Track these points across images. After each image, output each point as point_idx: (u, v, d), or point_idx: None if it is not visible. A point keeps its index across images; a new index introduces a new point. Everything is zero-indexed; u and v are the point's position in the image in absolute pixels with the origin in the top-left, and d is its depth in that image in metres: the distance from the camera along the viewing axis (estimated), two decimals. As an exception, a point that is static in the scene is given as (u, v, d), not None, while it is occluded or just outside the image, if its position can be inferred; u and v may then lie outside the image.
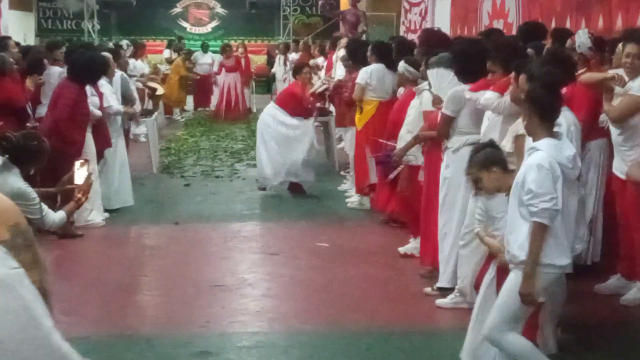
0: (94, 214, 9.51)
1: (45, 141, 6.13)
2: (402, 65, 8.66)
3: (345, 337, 6.16)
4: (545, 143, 4.71)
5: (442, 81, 7.08)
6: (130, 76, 12.74)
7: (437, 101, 7.09)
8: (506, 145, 5.77)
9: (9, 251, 1.80)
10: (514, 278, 4.72)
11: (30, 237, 1.86)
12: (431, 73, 7.23)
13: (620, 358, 5.83)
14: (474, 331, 5.21)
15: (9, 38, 11.41)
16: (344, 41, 15.09)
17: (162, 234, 9.36)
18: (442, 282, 6.94)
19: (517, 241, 4.69)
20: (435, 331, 6.37)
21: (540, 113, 4.76)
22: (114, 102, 10.01)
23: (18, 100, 9.00)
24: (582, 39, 7.36)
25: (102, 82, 9.89)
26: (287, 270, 7.96)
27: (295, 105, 11.22)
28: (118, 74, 10.76)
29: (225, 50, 20.71)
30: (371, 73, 9.96)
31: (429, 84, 7.36)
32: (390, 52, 10.19)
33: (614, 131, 6.58)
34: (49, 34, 24.57)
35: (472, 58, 6.67)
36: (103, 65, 9.70)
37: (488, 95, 6.25)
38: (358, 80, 10.04)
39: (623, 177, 6.53)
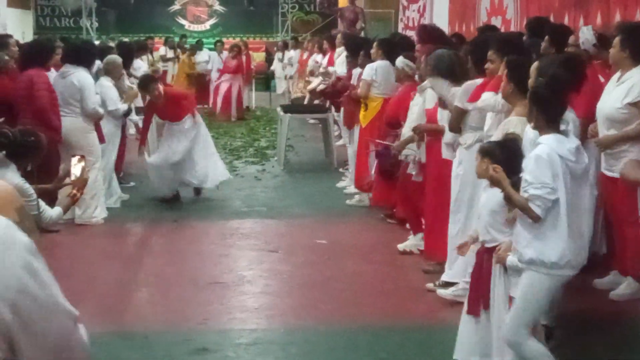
0: (97, 211, 9.51)
1: (42, 137, 6.13)
2: (401, 61, 8.67)
3: (344, 334, 6.16)
4: (548, 137, 4.70)
5: (443, 85, 7.10)
6: (131, 76, 12.75)
7: (440, 101, 7.14)
8: None
9: None
10: (526, 281, 4.71)
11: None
12: (432, 82, 7.24)
13: (614, 352, 5.83)
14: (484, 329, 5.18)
15: (9, 36, 11.42)
16: (339, 37, 15.11)
17: (160, 231, 9.35)
18: (449, 276, 6.91)
19: (525, 239, 4.68)
20: (435, 327, 6.36)
21: (543, 112, 4.75)
22: (119, 104, 10.12)
23: (14, 97, 8.99)
24: (586, 35, 7.35)
25: (107, 84, 9.94)
26: (286, 267, 7.96)
27: None
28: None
29: (232, 50, 20.27)
30: (377, 69, 9.94)
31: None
32: (395, 48, 10.19)
33: (602, 130, 6.58)
34: (47, 32, 24.56)
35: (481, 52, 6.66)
36: (48, 44, 9.72)
37: (484, 97, 6.26)
38: (364, 77, 10.03)
39: (613, 175, 6.52)
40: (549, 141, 4.68)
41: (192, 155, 10.42)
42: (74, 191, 6.02)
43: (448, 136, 7.12)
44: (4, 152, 5.90)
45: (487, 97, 6.21)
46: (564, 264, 4.66)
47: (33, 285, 1.71)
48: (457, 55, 7.28)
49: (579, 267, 4.82)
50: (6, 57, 9.45)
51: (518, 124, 5.59)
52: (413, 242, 8.21)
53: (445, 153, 7.21)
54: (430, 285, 7.10)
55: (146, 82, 10.51)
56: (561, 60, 5.92)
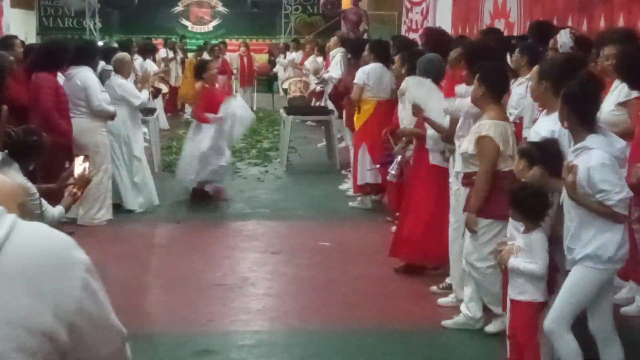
0: (102, 213, 9.51)
1: (45, 136, 6.14)
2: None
3: (347, 336, 6.17)
4: (595, 140, 4.70)
5: (419, 89, 7.13)
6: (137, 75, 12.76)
7: (417, 111, 7.15)
8: (469, 147, 5.78)
9: None
10: (577, 275, 4.78)
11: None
12: (408, 80, 7.28)
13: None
14: None
15: (14, 37, 11.40)
16: (334, 39, 15.09)
17: (163, 232, 9.36)
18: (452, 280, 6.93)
19: (585, 239, 4.73)
20: (437, 330, 6.36)
21: (579, 114, 4.73)
22: (142, 97, 10.21)
23: (18, 98, 8.99)
24: (563, 39, 7.34)
25: (123, 82, 10.00)
26: (289, 269, 7.96)
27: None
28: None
29: (212, 51, 20.29)
30: (369, 73, 9.98)
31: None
32: (388, 51, 10.22)
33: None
34: (51, 33, 24.57)
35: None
36: (63, 47, 9.70)
37: (445, 105, 6.40)
38: (355, 81, 10.08)
39: None
40: (601, 145, 4.69)
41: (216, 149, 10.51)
42: (75, 190, 6.02)
43: (430, 142, 7.17)
44: (6, 151, 5.91)
45: (449, 104, 6.42)
46: (617, 259, 4.77)
47: (91, 306, 1.70)
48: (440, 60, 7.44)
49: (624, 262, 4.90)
50: (11, 58, 9.44)
51: (491, 127, 5.66)
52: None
53: (432, 158, 7.25)
54: (434, 288, 7.11)
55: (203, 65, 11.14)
56: (562, 61, 5.93)
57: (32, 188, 5.87)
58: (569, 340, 4.81)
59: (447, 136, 6.83)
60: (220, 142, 10.46)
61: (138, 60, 15.51)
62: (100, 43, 17.06)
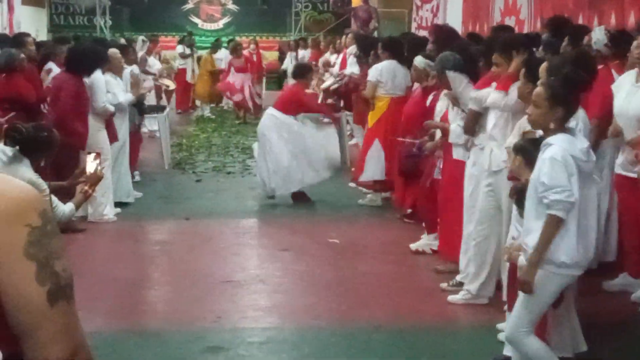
0: (107, 209, 9.54)
1: (55, 132, 6.16)
2: (422, 61, 8.54)
3: (356, 333, 6.16)
4: (558, 138, 4.67)
5: (459, 85, 7.08)
6: (148, 73, 12.80)
7: (454, 103, 7.10)
8: (512, 141, 5.75)
9: (42, 237, 1.81)
10: (535, 278, 4.68)
11: (56, 225, 1.87)
12: (449, 75, 7.23)
13: (627, 355, 5.82)
14: None
15: (27, 35, 11.44)
16: (350, 37, 15.12)
17: (173, 229, 9.38)
18: (463, 277, 6.91)
19: (534, 240, 4.65)
20: (448, 327, 6.36)
21: (560, 109, 4.71)
22: (122, 97, 10.02)
23: (28, 96, 9.02)
24: (598, 36, 7.32)
25: (109, 78, 9.89)
26: (298, 266, 7.96)
27: (299, 109, 10.75)
28: (127, 69, 10.78)
29: (235, 49, 20.26)
30: (382, 70, 9.99)
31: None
32: (402, 48, 10.20)
33: (628, 131, 6.54)
34: (61, 30, 24.61)
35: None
36: (99, 55, 9.69)
37: (493, 96, 6.27)
38: (369, 78, 10.10)
39: (632, 175, 6.51)
40: (560, 142, 4.66)
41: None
42: (86, 187, 6.03)
43: (453, 136, 7.14)
44: (17, 147, 5.93)
45: (497, 96, 6.23)
46: (572, 264, 4.67)
47: None
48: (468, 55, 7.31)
49: (586, 267, 4.84)
50: (22, 55, 9.47)
51: None
52: (426, 241, 8.20)
53: (456, 153, 7.22)
54: (444, 285, 7.09)
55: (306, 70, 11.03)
56: (572, 59, 5.90)
57: (43, 184, 5.88)
58: (533, 342, 4.74)
59: (465, 128, 6.81)
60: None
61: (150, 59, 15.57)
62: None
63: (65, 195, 6.19)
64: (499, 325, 6.04)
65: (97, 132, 9.38)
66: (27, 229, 1.78)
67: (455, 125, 7.09)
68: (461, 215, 6.99)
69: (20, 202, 1.80)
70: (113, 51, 10.36)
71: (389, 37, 11.53)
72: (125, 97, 10.12)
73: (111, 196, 9.68)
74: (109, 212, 9.56)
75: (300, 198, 10.57)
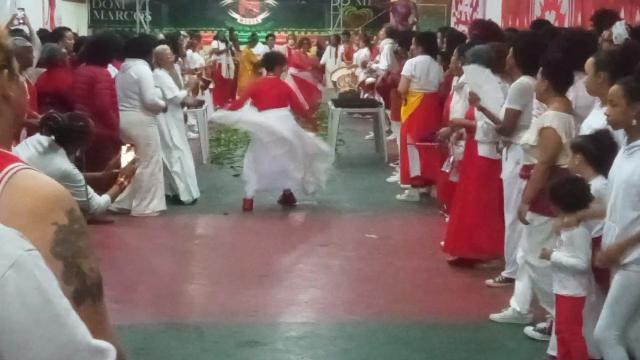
0: (154, 204, 9.57)
1: (91, 122, 6.20)
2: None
3: (393, 328, 6.16)
4: None
5: (477, 78, 7.03)
6: (190, 70, 12.85)
7: (473, 98, 7.02)
8: (530, 138, 5.70)
9: (69, 236, 1.81)
10: (621, 281, 4.55)
11: (85, 223, 1.86)
12: (467, 69, 7.19)
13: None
14: None
15: (66, 29, 11.55)
16: (384, 31, 15.07)
17: (211, 224, 9.42)
18: (510, 273, 6.85)
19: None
20: (484, 324, 6.31)
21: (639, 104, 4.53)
22: (178, 92, 10.12)
23: (63, 88, 9.09)
24: (619, 30, 7.21)
25: (161, 73, 9.97)
26: (336, 261, 7.96)
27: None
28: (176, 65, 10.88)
29: (298, 43, 20.04)
30: (415, 65, 9.98)
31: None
32: (435, 43, 10.18)
33: None
34: (101, 25, 24.80)
35: (534, 49, 6.56)
36: (111, 42, 9.76)
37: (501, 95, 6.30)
38: (403, 73, 10.10)
39: None
40: None
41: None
42: (122, 179, 6.03)
43: (480, 133, 7.08)
44: (53, 137, 5.98)
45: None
46: None
47: (16, 313, 1.47)
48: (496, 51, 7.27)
49: None
50: (63, 50, 9.55)
51: (555, 118, 5.53)
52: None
53: (482, 150, 7.16)
54: (490, 281, 7.04)
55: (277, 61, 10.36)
56: (620, 52, 5.79)
57: (79, 175, 5.91)
58: (618, 352, 4.62)
59: (502, 128, 6.74)
60: None
61: (187, 52, 15.60)
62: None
63: (100, 186, 6.22)
64: (538, 325, 5.98)
65: (147, 127, 9.43)
66: (53, 227, 1.78)
67: (483, 123, 7.03)
68: (471, 213, 7.01)
69: (47, 200, 1.80)
70: (162, 47, 10.44)
71: (422, 32, 11.50)
72: (181, 92, 10.20)
73: (161, 191, 9.68)
74: (154, 206, 9.59)
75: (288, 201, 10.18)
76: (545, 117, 5.61)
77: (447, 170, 8.03)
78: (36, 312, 1.46)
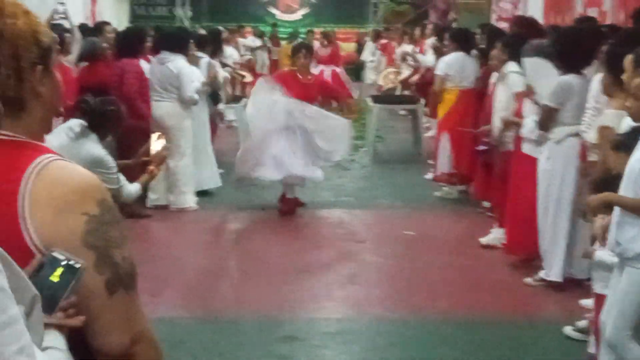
0: (189, 198, 9.64)
1: (123, 108, 6.22)
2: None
3: (430, 325, 6.13)
4: None
5: (538, 71, 6.95)
6: (224, 65, 12.88)
7: (529, 91, 6.96)
8: (591, 136, 5.65)
9: (101, 226, 1.81)
10: (629, 279, 4.42)
11: (118, 213, 1.86)
12: (527, 61, 7.11)
13: None
14: None
15: (106, 23, 11.63)
16: (431, 28, 15.05)
17: (249, 219, 9.43)
18: (549, 275, 6.82)
19: (628, 234, 4.37)
20: (523, 322, 6.27)
21: None
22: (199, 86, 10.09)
23: (103, 82, 9.15)
24: None
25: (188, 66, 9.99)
26: (373, 257, 7.95)
27: None
28: (205, 59, 10.86)
29: (327, 36, 20.01)
30: (449, 63, 9.99)
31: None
32: (469, 38, 10.17)
33: None
34: (142, 21, 24.93)
35: (580, 46, 6.49)
36: (138, 35, 9.81)
37: None
38: (437, 72, 10.16)
39: None
40: None
41: None
42: (152, 167, 6.03)
43: (525, 130, 7.03)
44: (85, 122, 6.00)
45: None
46: None
47: None
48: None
49: None
50: (105, 44, 9.63)
51: (613, 118, 5.47)
52: (495, 235, 8.10)
53: (525, 147, 7.11)
54: (528, 280, 7.00)
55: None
56: None
57: (111, 161, 5.93)
58: (635, 349, 4.50)
59: (538, 123, 6.69)
60: None
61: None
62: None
63: (131, 175, 6.23)
64: (578, 323, 5.90)
65: (183, 120, 9.49)
66: (84, 218, 1.78)
67: (530, 119, 6.98)
68: (531, 210, 6.92)
69: (77, 190, 1.80)
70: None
71: (455, 28, 11.48)
72: (196, 83, 10.19)
73: (192, 185, 9.76)
74: (190, 200, 9.66)
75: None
76: (606, 115, 5.56)
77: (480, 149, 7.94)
78: None
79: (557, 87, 6.50)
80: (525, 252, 7.39)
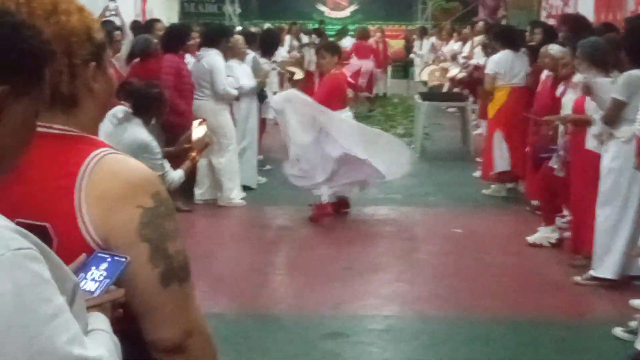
0: (235, 193, 9.69)
1: (166, 92, 6.25)
2: (559, 49, 8.18)
3: (478, 325, 6.09)
4: None
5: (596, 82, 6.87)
6: (273, 61, 12.90)
7: (587, 89, 6.84)
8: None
9: (155, 219, 1.83)
10: None
11: (172, 206, 1.88)
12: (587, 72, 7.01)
13: None
14: None
15: (157, 20, 11.72)
16: (481, 25, 14.96)
17: (296, 215, 9.44)
18: (599, 272, 6.75)
19: None
20: (573, 323, 6.21)
21: None
22: (245, 82, 10.13)
23: (161, 80, 9.22)
24: None
25: (234, 64, 10.03)
26: (420, 255, 7.93)
27: None
28: (250, 55, 10.91)
29: (362, 33, 20.13)
30: (498, 61, 9.95)
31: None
32: (515, 36, 10.11)
33: None
34: (192, 18, 25.06)
35: None
36: (179, 30, 9.87)
37: None
38: (486, 71, 10.16)
39: None
40: None
41: None
42: (194, 154, 6.02)
43: (596, 128, 6.91)
44: (129, 107, 6.03)
45: None
46: None
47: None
48: (609, 43, 7.06)
49: None
50: (155, 41, 9.71)
51: None
52: (543, 234, 8.03)
53: (590, 144, 7.01)
54: (577, 278, 6.92)
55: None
56: None
57: (157, 147, 5.94)
58: None
59: (605, 117, 6.59)
60: None
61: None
62: (238, 28, 17.28)
63: (172, 162, 6.25)
64: (631, 324, 5.83)
65: (219, 116, 9.52)
66: (139, 210, 1.80)
67: (597, 115, 6.86)
68: (589, 210, 6.83)
69: (132, 184, 1.82)
70: (235, 37, 10.50)
71: (501, 26, 11.41)
72: (248, 82, 10.22)
73: (238, 180, 9.82)
74: (237, 196, 9.72)
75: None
76: None
77: (555, 166, 7.78)
78: (8, 317, 1.35)
79: (628, 80, 6.40)
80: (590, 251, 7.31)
